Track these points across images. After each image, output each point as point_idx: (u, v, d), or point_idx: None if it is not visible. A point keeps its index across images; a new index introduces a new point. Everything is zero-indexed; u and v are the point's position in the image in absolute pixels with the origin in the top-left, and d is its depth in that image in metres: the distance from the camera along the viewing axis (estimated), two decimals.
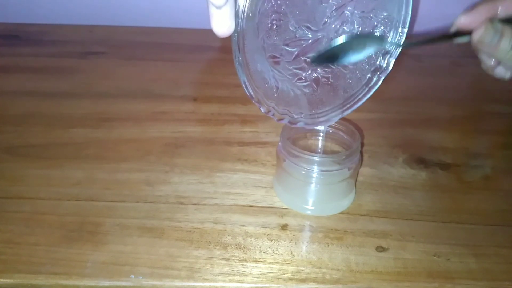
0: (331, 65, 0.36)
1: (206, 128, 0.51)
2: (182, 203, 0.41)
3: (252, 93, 0.33)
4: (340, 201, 0.41)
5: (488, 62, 0.37)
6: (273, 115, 0.35)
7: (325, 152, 0.44)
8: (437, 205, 0.41)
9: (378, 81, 0.37)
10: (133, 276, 0.34)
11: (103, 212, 0.39)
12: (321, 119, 0.38)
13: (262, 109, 0.35)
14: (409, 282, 0.34)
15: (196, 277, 0.34)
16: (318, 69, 0.36)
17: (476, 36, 0.33)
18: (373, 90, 0.37)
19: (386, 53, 0.36)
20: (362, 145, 0.48)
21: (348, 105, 0.38)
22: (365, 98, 0.38)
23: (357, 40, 0.33)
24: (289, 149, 0.38)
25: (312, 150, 0.43)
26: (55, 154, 0.46)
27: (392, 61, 0.36)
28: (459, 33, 0.35)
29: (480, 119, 0.55)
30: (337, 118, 0.39)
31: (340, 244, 0.37)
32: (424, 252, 0.36)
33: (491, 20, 0.33)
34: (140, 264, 0.35)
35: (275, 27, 0.32)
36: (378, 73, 0.36)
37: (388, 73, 0.37)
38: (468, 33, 0.34)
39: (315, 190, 0.40)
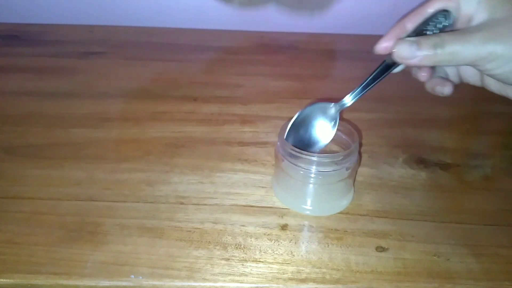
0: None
1: (206, 128, 0.51)
2: (182, 203, 0.41)
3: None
4: (339, 201, 0.41)
5: (422, 76, 0.38)
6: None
7: (324, 152, 0.43)
8: (437, 205, 0.41)
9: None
10: (133, 276, 0.34)
11: (103, 212, 0.39)
12: None
13: None
14: (409, 282, 0.34)
15: (196, 277, 0.34)
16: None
17: (395, 56, 0.34)
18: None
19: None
20: (361, 145, 0.48)
21: None
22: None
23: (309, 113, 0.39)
24: (287, 149, 0.38)
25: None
26: (55, 154, 0.46)
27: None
28: (391, 64, 0.36)
29: (480, 119, 0.55)
30: None
31: (340, 244, 0.37)
32: (424, 252, 0.36)
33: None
34: (140, 264, 0.35)
35: None
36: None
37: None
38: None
39: (313, 190, 0.40)
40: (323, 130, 0.40)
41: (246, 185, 0.43)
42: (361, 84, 0.37)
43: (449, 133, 0.52)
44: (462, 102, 0.59)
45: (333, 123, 0.39)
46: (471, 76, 0.39)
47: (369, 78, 0.37)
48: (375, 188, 0.43)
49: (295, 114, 0.39)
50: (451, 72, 0.40)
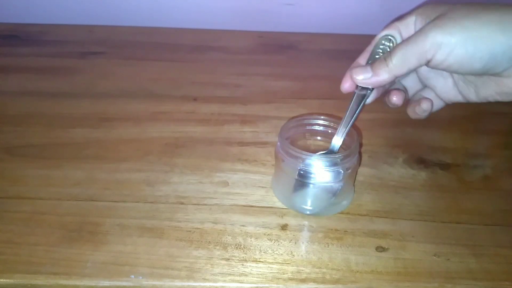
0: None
1: (206, 128, 0.51)
2: (182, 203, 0.41)
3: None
4: (339, 202, 0.41)
5: (393, 100, 0.41)
6: None
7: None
8: (437, 205, 0.41)
9: None
10: (133, 276, 0.34)
11: (103, 212, 0.39)
12: None
13: None
14: (409, 282, 0.34)
15: (196, 277, 0.34)
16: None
17: (357, 82, 0.37)
18: None
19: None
20: (361, 145, 0.48)
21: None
22: None
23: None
24: (287, 149, 0.38)
25: (310, 150, 0.43)
26: (55, 154, 0.46)
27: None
28: (362, 95, 0.39)
29: (480, 119, 0.55)
30: None
31: (340, 244, 0.37)
32: (424, 252, 0.36)
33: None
34: (140, 264, 0.35)
35: None
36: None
37: None
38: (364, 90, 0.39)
39: (313, 191, 0.40)
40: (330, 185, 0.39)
41: (246, 185, 0.43)
42: (342, 123, 0.39)
43: (449, 133, 0.52)
44: (462, 102, 0.59)
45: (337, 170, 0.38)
46: (448, 92, 0.40)
47: (347, 115, 0.39)
48: (375, 188, 0.43)
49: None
50: (432, 96, 0.41)
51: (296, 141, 0.44)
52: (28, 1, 0.78)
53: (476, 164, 0.47)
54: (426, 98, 0.40)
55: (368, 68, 0.36)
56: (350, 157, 0.38)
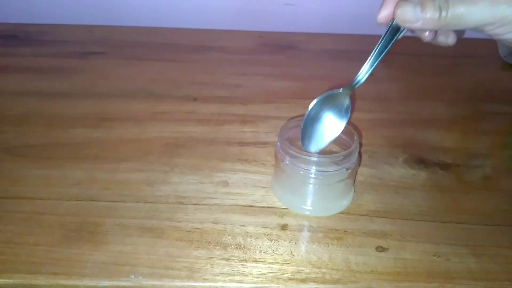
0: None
1: (206, 128, 0.51)
2: (182, 203, 0.41)
3: None
4: (339, 201, 0.41)
5: (426, 36, 0.36)
6: None
7: (324, 152, 0.43)
8: (437, 205, 0.41)
9: None
10: (133, 276, 0.34)
11: (103, 212, 0.39)
12: None
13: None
14: (409, 282, 0.34)
15: (196, 277, 0.34)
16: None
17: (398, 19, 0.32)
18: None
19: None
20: (361, 145, 0.48)
21: None
22: None
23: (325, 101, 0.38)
24: (287, 149, 0.38)
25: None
26: (55, 154, 0.46)
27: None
28: (394, 30, 0.34)
29: (480, 119, 0.55)
30: None
31: (340, 244, 0.37)
32: (424, 252, 0.36)
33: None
34: (140, 264, 0.35)
35: None
36: None
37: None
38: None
39: (313, 191, 0.40)
40: (335, 121, 0.38)
41: (246, 185, 0.43)
42: (373, 54, 0.35)
43: (449, 133, 0.52)
44: (462, 102, 0.59)
45: (344, 110, 0.38)
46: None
47: (379, 47, 0.35)
48: (375, 188, 0.43)
49: (301, 112, 0.39)
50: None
51: (296, 141, 0.44)
52: (28, 1, 0.78)
53: (476, 164, 0.47)
54: (453, 33, 0.36)
55: (418, 9, 0.31)
56: (350, 157, 0.38)
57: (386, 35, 0.35)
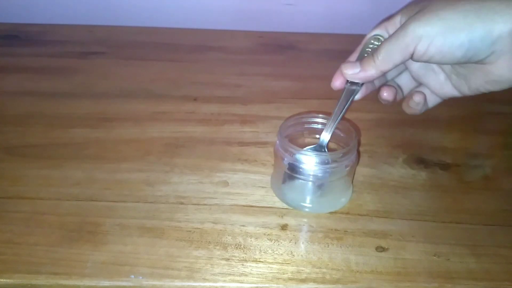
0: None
1: (206, 128, 0.51)
2: (182, 203, 0.41)
3: None
4: (338, 199, 0.41)
5: (391, 96, 0.41)
6: None
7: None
8: (437, 205, 0.41)
9: None
10: (133, 276, 0.34)
11: (103, 212, 0.39)
12: None
13: None
14: (409, 282, 0.34)
15: (196, 277, 0.34)
16: None
17: (347, 76, 0.38)
18: None
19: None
20: (359, 143, 0.48)
21: None
22: None
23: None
24: (286, 147, 0.38)
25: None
26: (55, 154, 0.46)
27: None
28: (351, 90, 0.39)
29: (480, 119, 0.55)
30: None
31: (340, 244, 0.37)
32: (424, 252, 0.36)
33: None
34: (140, 264, 0.35)
35: None
36: None
37: None
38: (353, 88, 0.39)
39: (312, 188, 0.40)
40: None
41: (246, 185, 0.43)
42: (331, 118, 0.39)
43: (449, 133, 0.52)
44: (462, 102, 0.58)
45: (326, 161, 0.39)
46: (442, 87, 0.41)
47: (336, 110, 0.39)
48: (375, 188, 0.43)
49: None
50: (427, 93, 0.42)
51: (295, 139, 0.44)
52: (28, 1, 0.78)
53: (476, 164, 0.47)
54: (418, 92, 0.41)
55: (357, 63, 0.38)
56: (349, 155, 0.38)
57: (343, 96, 0.39)
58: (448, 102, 0.58)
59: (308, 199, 0.40)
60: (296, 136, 0.44)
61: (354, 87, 0.39)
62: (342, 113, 0.39)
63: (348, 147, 0.38)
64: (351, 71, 0.38)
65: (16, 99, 0.56)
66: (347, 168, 0.39)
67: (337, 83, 0.40)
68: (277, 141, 0.40)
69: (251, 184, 0.43)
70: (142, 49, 0.70)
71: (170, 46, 0.72)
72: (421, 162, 0.47)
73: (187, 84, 0.61)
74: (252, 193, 0.42)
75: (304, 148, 0.39)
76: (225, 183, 0.43)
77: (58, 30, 0.76)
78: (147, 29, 0.77)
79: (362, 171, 0.45)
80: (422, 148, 0.49)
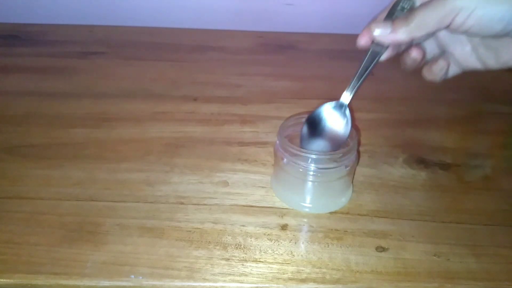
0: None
1: (206, 128, 0.51)
2: (182, 203, 0.41)
3: None
4: (338, 199, 0.41)
5: (414, 55, 0.39)
6: None
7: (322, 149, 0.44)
8: (437, 205, 0.41)
9: None
10: (133, 276, 0.34)
11: (103, 212, 0.39)
12: None
13: None
14: (409, 282, 0.34)
15: (196, 277, 0.34)
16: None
17: (375, 37, 0.36)
18: None
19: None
20: (359, 143, 0.48)
21: None
22: None
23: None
24: (286, 147, 0.38)
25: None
26: (55, 154, 0.46)
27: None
28: (377, 51, 0.38)
29: (480, 119, 0.55)
30: None
31: (340, 244, 0.37)
32: (424, 252, 0.36)
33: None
34: (140, 264, 0.35)
35: None
36: None
37: None
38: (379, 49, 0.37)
39: (312, 188, 0.40)
40: (338, 131, 0.40)
41: (246, 185, 0.43)
42: (353, 78, 0.38)
43: (449, 133, 0.52)
44: (462, 102, 0.59)
45: (345, 121, 0.39)
46: (467, 58, 0.39)
47: (359, 71, 0.37)
48: (375, 188, 0.43)
49: (298, 117, 0.40)
50: (451, 60, 0.40)
51: (295, 139, 0.44)
52: (28, 1, 0.78)
53: (476, 164, 0.47)
54: (444, 57, 0.40)
55: (388, 24, 0.36)
56: (349, 154, 0.38)
57: (367, 57, 0.38)
58: (448, 102, 0.58)
59: (308, 199, 0.40)
60: (296, 136, 0.44)
61: (379, 49, 0.37)
62: (365, 74, 0.37)
63: (348, 147, 0.38)
64: (381, 31, 0.36)
65: (16, 99, 0.56)
66: (347, 168, 0.39)
67: (363, 41, 0.38)
68: (277, 141, 0.40)
69: (251, 184, 0.43)
70: (142, 49, 0.70)
71: (170, 46, 0.72)
72: (421, 162, 0.47)
73: (187, 84, 0.61)
74: (252, 193, 0.42)
75: (325, 104, 0.39)
76: (225, 183, 0.43)
77: (58, 30, 0.76)
78: (147, 29, 0.77)
79: (362, 171, 0.45)
80: (422, 148, 0.49)
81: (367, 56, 0.38)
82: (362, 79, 0.37)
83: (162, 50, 0.70)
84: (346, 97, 0.38)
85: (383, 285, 0.34)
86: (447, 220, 0.40)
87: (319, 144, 0.40)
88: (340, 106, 0.39)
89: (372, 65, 0.37)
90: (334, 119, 0.39)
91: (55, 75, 0.62)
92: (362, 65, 0.37)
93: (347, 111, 0.39)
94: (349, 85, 0.38)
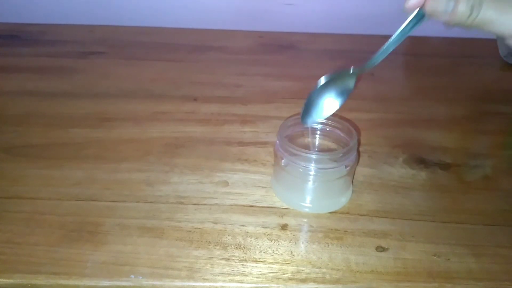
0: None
1: (206, 128, 0.51)
2: (182, 203, 0.41)
3: None
4: (337, 198, 0.41)
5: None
6: None
7: (322, 150, 0.44)
8: (437, 205, 0.41)
9: None
10: (133, 276, 0.34)
11: (103, 212, 0.39)
12: None
13: None
14: (409, 282, 0.34)
15: (196, 277, 0.34)
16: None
17: (428, 8, 0.31)
18: None
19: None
20: (359, 143, 0.48)
21: None
22: None
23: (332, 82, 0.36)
24: (286, 147, 0.38)
25: (309, 148, 0.43)
26: (55, 154, 0.46)
27: None
28: (418, 18, 0.33)
29: (480, 119, 0.55)
30: None
31: (340, 244, 0.37)
32: (424, 252, 0.36)
33: None
34: (140, 264, 0.35)
35: None
36: None
37: None
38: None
39: (312, 188, 0.40)
40: (333, 100, 0.37)
41: (246, 185, 0.43)
42: (393, 38, 0.34)
43: (449, 133, 0.52)
44: (462, 102, 0.59)
45: (345, 92, 0.37)
46: None
47: (401, 31, 0.33)
48: (375, 188, 0.43)
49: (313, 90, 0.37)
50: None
51: (295, 139, 0.44)
52: (28, 1, 0.78)
53: (476, 164, 0.47)
54: None
55: (451, 3, 0.30)
56: (349, 154, 0.38)
57: (410, 22, 0.33)
58: (448, 102, 0.58)
59: (308, 199, 0.40)
60: (296, 136, 0.44)
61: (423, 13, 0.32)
62: (404, 37, 0.33)
63: (348, 147, 0.38)
64: (440, 7, 0.30)
65: (16, 99, 0.56)
66: (347, 168, 0.39)
67: (412, 4, 0.32)
68: (277, 141, 0.40)
69: (251, 184, 0.43)
70: (142, 49, 0.70)
71: (170, 46, 0.72)
72: (421, 162, 0.47)
73: (187, 84, 0.61)
74: (252, 193, 0.42)
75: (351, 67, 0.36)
76: (225, 183, 0.43)
77: (58, 30, 0.76)
78: (147, 29, 0.77)
79: (362, 171, 0.45)
80: (422, 148, 0.49)
81: (411, 19, 0.33)
82: (398, 43, 0.34)
83: (162, 50, 0.70)
84: (377, 57, 0.34)
85: (383, 285, 0.34)
86: (447, 220, 0.40)
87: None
88: (362, 70, 0.36)
89: (411, 29, 0.33)
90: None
91: (55, 75, 0.62)
92: (402, 29, 0.33)
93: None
94: (384, 47, 0.34)
